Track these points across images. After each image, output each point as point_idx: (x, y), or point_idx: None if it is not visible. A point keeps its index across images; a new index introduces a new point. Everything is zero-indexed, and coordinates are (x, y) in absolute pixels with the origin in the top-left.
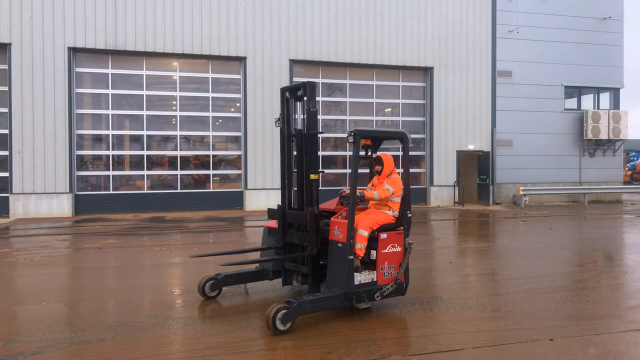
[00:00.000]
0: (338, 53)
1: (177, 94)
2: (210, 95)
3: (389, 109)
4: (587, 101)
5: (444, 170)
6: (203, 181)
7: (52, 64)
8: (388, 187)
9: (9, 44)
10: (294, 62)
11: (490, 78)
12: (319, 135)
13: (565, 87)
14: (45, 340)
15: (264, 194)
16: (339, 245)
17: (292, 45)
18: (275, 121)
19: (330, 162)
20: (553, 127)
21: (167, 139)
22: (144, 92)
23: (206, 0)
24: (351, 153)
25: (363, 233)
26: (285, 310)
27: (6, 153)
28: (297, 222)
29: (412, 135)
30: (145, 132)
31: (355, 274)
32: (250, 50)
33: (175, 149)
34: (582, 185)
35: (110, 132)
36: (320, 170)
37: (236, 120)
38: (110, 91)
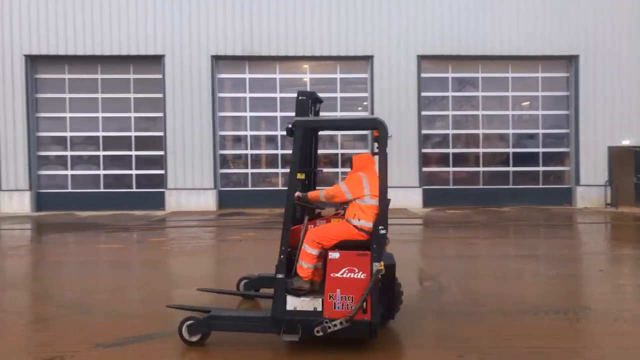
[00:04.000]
0: (469, 46)
1: None
2: (339, 95)
3: (527, 103)
4: None
5: (593, 169)
6: (331, 178)
7: (198, 72)
8: (341, 184)
9: (163, 56)
10: (421, 58)
11: None
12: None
13: None
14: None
15: (391, 192)
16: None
17: (419, 40)
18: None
19: (462, 159)
20: None
21: None
22: (278, 95)
23: (334, 3)
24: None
25: (307, 249)
26: (192, 322)
27: (162, 153)
28: None
29: (554, 130)
30: (279, 133)
31: (289, 297)
32: (377, 48)
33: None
34: None
35: (248, 133)
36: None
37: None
38: (247, 95)
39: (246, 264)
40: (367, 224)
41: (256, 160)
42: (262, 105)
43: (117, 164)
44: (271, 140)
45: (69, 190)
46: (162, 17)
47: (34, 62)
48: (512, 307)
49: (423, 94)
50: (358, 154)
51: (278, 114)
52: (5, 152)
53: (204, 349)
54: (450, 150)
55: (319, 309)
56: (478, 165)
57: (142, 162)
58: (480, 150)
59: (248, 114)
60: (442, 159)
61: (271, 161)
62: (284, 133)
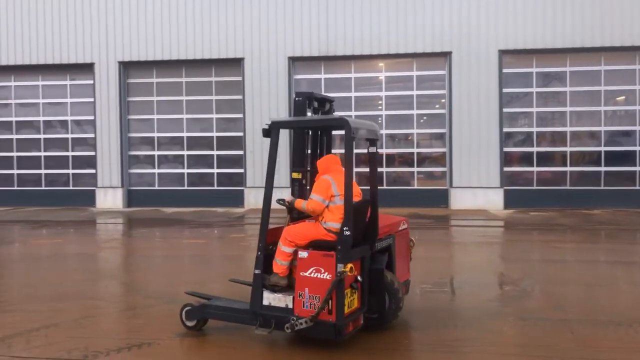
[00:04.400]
0: (556, 38)
1: (383, 93)
2: (415, 93)
3: (622, 97)
4: None
5: None
6: (407, 178)
7: (276, 73)
8: (313, 195)
9: (242, 59)
10: (503, 53)
11: None
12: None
13: None
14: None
15: (470, 193)
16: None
17: (501, 34)
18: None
19: (547, 159)
20: None
21: None
22: (352, 94)
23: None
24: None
25: (282, 247)
26: (189, 308)
27: (241, 152)
28: None
29: None
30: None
31: (265, 293)
32: (455, 44)
33: (381, 147)
34: None
35: None
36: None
37: (441, 117)
38: (323, 94)
39: None
40: (334, 224)
41: None
42: (337, 104)
43: (200, 163)
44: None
45: (156, 187)
46: (242, 21)
47: (127, 67)
48: (603, 317)
49: (505, 90)
50: (331, 154)
51: (353, 113)
52: (101, 152)
53: (287, 344)
54: (535, 149)
55: (290, 306)
56: (565, 165)
57: (223, 161)
58: (568, 149)
59: None
60: (526, 158)
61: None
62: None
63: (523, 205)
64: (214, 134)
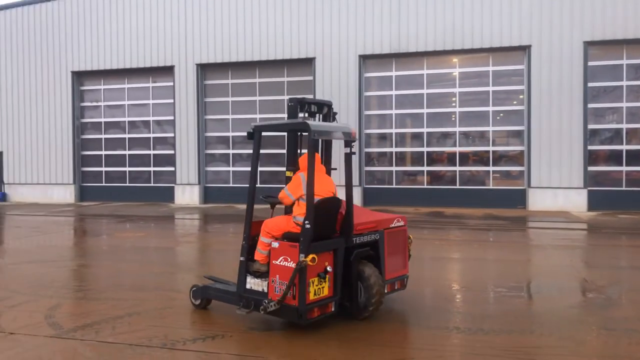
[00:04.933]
0: None
1: (457, 90)
2: (491, 89)
3: None
4: None
5: None
6: (482, 178)
7: (346, 72)
8: (285, 188)
9: (313, 58)
10: (588, 44)
11: None
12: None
13: None
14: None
15: (550, 193)
16: None
17: (587, 24)
18: None
19: (638, 157)
20: None
21: (446, 136)
22: (425, 91)
23: None
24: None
25: (261, 238)
26: (194, 288)
27: None
28: None
29: None
30: (425, 130)
31: (248, 277)
32: (535, 37)
33: (454, 145)
34: None
35: (394, 131)
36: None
37: (519, 113)
38: (393, 92)
39: None
40: (301, 219)
41: (401, 158)
42: (408, 102)
43: (271, 161)
44: (417, 137)
45: (230, 185)
46: (313, 21)
47: (204, 69)
48: None
49: (590, 84)
50: (302, 154)
51: (424, 110)
52: (179, 151)
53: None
54: (624, 147)
55: (265, 290)
56: None
57: None
58: None
59: (394, 111)
60: (613, 157)
61: (416, 159)
62: (430, 130)
63: (609, 207)
64: (285, 133)
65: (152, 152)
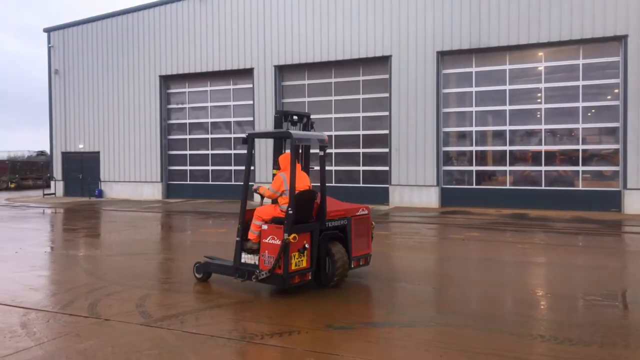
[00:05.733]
0: None
1: (542, 85)
2: (581, 83)
3: None
4: None
5: None
6: (570, 178)
7: (423, 69)
8: (269, 186)
9: (390, 56)
10: None
11: None
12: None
13: None
14: (415, 316)
15: None
16: None
17: None
18: None
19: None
20: None
21: (530, 134)
22: (507, 87)
23: None
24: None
25: (254, 221)
26: (198, 264)
27: (387, 150)
28: None
29: None
30: (507, 127)
31: (243, 253)
32: (632, 26)
33: (540, 144)
34: None
35: (474, 129)
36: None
37: (613, 109)
38: (473, 89)
39: (470, 264)
40: (285, 207)
41: (481, 157)
42: (489, 98)
43: (347, 161)
44: (499, 135)
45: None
46: (389, 19)
47: (281, 71)
48: None
49: None
50: (284, 154)
51: (507, 107)
52: (258, 150)
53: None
54: None
55: (257, 263)
56: None
57: (369, 159)
58: None
59: (474, 108)
60: None
61: (498, 158)
62: (513, 128)
63: None
64: (360, 132)
65: (233, 151)
